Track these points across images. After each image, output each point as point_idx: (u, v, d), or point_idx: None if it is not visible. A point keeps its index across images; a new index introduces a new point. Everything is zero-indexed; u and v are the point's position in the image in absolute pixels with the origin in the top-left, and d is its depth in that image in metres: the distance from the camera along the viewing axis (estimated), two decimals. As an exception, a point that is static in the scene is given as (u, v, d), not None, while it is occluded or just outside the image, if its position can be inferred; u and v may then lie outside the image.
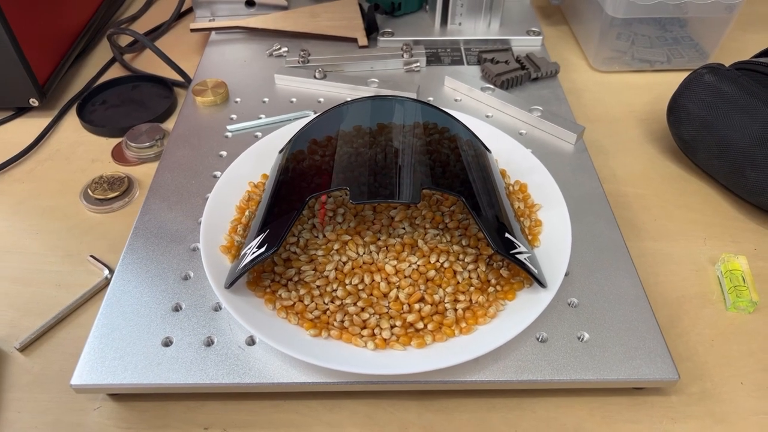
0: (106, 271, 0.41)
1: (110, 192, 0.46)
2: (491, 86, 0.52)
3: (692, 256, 0.43)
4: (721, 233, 0.44)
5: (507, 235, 0.35)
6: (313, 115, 0.49)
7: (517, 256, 0.33)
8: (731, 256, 0.41)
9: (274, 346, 0.32)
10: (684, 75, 0.49)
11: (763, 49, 0.52)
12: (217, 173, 0.45)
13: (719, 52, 0.61)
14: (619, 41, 0.60)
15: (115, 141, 0.52)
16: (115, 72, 0.60)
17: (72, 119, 0.54)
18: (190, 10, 0.68)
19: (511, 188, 0.42)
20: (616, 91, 0.57)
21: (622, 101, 0.56)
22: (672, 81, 0.49)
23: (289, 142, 0.42)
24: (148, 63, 0.61)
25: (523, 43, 0.58)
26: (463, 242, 0.38)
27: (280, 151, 0.43)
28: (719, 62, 0.49)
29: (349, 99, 0.52)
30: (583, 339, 0.34)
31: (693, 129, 0.48)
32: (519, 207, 0.41)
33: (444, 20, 0.59)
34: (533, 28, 0.59)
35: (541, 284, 0.34)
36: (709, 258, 0.42)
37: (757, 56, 0.53)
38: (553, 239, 0.38)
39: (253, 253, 0.34)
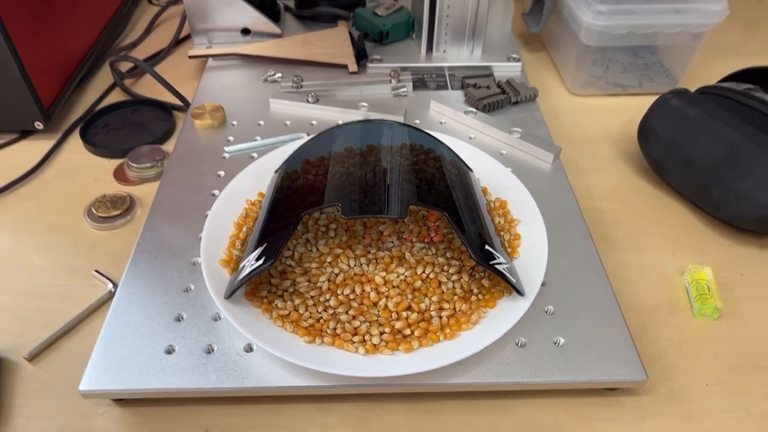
0: (110, 285, 0.43)
1: (113, 210, 0.48)
2: (474, 110, 0.56)
3: (662, 267, 0.45)
4: (689, 245, 0.47)
5: (487, 247, 0.37)
6: (306, 137, 0.52)
7: (497, 266, 0.36)
8: (697, 266, 0.44)
9: (271, 352, 0.34)
10: (654, 98, 0.53)
11: (727, 75, 0.56)
12: (216, 192, 0.47)
13: (687, 76, 0.65)
14: (594, 67, 0.63)
15: (116, 162, 0.54)
16: (116, 96, 0.63)
17: (75, 141, 0.57)
18: (188, 37, 0.71)
19: (492, 205, 0.45)
20: (591, 114, 0.61)
21: (597, 123, 0.60)
22: (643, 104, 0.53)
23: (284, 162, 0.45)
24: (147, 87, 0.64)
25: (504, 69, 0.62)
26: (448, 255, 0.41)
27: (276, 171, 0.46)
28: (685, 87, 0.53)
29: (340, 122, 0.55)
30: (559, 344, 0.37)
31: (661, 149, 0.51)
32: (499, 222, 0.43)
33: (429, 48, 0.63)
34: (514, 55, 0.63)
35: (520, 293, 0.37)
36: (678, 269, 0.45)
37: (721, 81, 0.56)
38: (530, 252, 0.41)
39: (252, 265, 0.36)
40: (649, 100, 0.53)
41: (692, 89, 0.53)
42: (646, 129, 0.52)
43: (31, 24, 0.54)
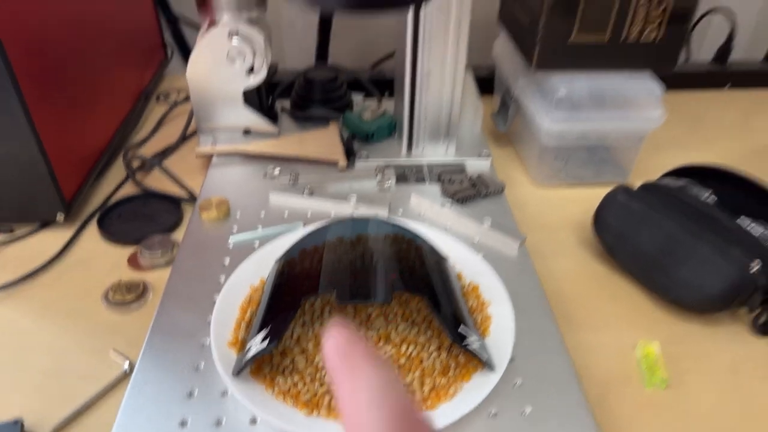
0: (126, 365, 0.47)
1: (128, 295, 0.53)
2: (449, 202, 0.63)
3: (617, 342, 0.52)
4: (640, 323, 0.54)
5: (462, 328, 0.43)
6: (302, 227, 0.59)
7: (470, 345, 0.42)
8: (647, 342, 0.51)
9: (274, 425, 0.39)
10: (609, 188, 0.61)
11: (667, 171, 0.65)
12: (222, 278, 0.53)
13: (637, 169, 0.74)
14: (555, 161, 0.72)
15: (130, 250, 0.60)
16: (129, 188, 0.70)
17: (92, 230, 0.63)
18: (194, 133, 0.79)
19: (465, 289, 0.52)
20: (553, 204, 0.69)
21: (559, 212, 0.68)
22: (599, 194, 0.61)
23: (284, 252, 0.52)
24: (157, 179, 0.71)
25: (476, 164, 0.70)
26: (428, 333, 0.47)
27: (277, 260, 0.52)
28: (631, 183, 0.62)
29: (332, 213, 0.62)
30: (525, 413, 0.42)
31: (612, 237, 0.59)
32: (472, 304, 0.50)
33: (410, 146, 0.72)
34: (484, 151, 0.72)
35: (491, 368, 0.43)
36: (631, 344, 0.52)
37: (662, 177, 0.65)
38: (500, 331, 0.47)
39: (257, 346, 0.42)
40: (604, 190, 0.61)
41: (641, 180, 0.62)
42: (599, 220, 0.60)
43: (57, 120, 0.61)
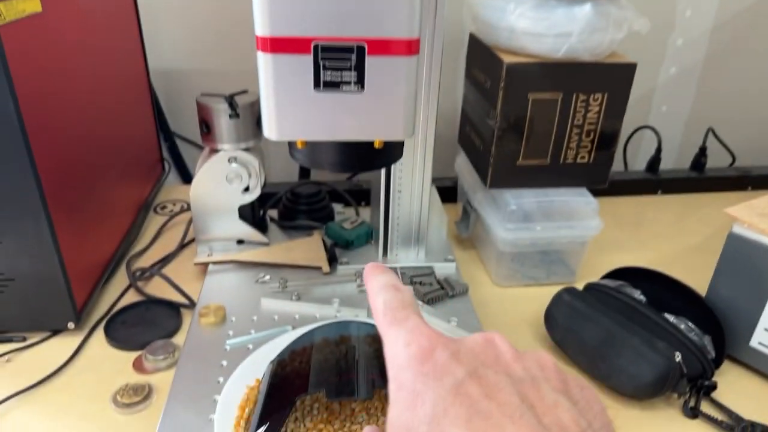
0: (135, 463, 0.53)
1: (135, 397, 0.59)
2: (420, 302, 0.72)
3: (568, 428, 0.59)
4: (588, 409, 0.62)
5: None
6: (291, 329, 0.67)
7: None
8: (593, 426, 0.58)
9: None
10: (559, 288, 0.70)
11: (606, 273, 0.76)
12: (221, 379, 0.60)
13: (583, 268, 0.84)
14: (512, 263, 0.83)
15: (134, 354, 0.66)
16: (131, 295, 0.77)
17: (98, 337, 0.69)
18: (191, 241, 0.88)
19: (436, 383, 0.59)
20: (511, 302, 0.79)
21: (516, 310, 0.77)
22: (551, 293, 0.70)
23: (277, 355, 0.59)
24: (158, 286, 0.78)
25: (443, 268, 0.80)
26: (404, 426, 0.54)
27: (270, 362, 0.59)
28: (575, 284, 0.72)
29: (317, 315, 0.70)
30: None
31: (561, 333, 0.68)
32: (442, 397, 0.57)
33: (385, 252, 0.81)
34: (449, 256, 0.82)
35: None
36: (580, 429, 0.59)
37: (602, 278, 0.76)
38: (466, 420, 0.54)
39: (257, 441, 0.48)
40: (555, 289, 0.71)
41: (588, 279, 0.72)
42: (549, 317, 0.69)
43: (74, 235, 0.68)
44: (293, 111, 0.35)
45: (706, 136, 1.10)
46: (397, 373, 0.26)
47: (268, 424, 0.49)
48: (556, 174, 0.79)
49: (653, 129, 1.08)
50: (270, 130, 0.36)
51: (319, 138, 0.36)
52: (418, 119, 0.70)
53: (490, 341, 0.27)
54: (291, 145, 0.42)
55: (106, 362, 0.65)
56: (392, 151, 0.42)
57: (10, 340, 0.67)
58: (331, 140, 0.38)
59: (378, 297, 0.30)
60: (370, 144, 0.38)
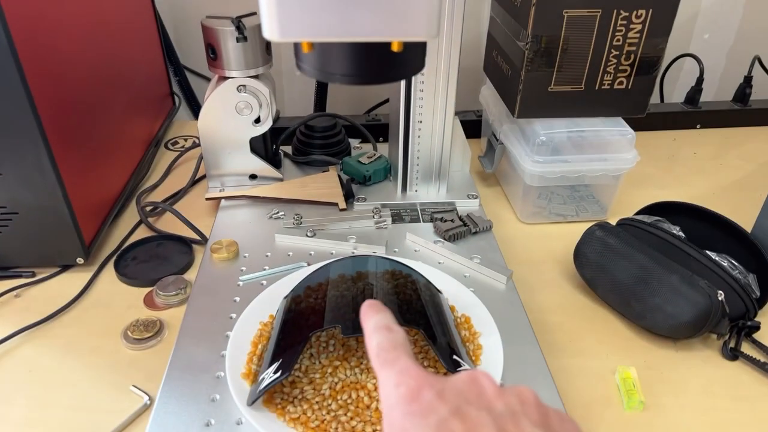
0: (146, 398, 0.51)
1: (146, 333, 0.58)
2: (441, 239, 0.68)
3: (598, 368, 0.56)
4: (618, 349, 0.58)
5: (455, 356, 0.48)
6: (306, 266, 0.64)
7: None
8: (625, 367, 0.55)
9: (286, 448, 0.43)
10: (589, 225, 0.66)
11: (641, 208, 0.71)
12: (233, 315, 0.57)
13: (615, 205, 0.79)
14: (539, 200, 0.78)
15: (145, 290, 0.64)
16: (142, 232, 0.74)
17: (109, 272, 0.67)
18: (203, 177, 0.85)
19: (458, 320, 0.56)
20: (538, 239, 0.74)
21: (543, 247, 0.73)
22: (580, 230, 0.66)
23: (291, 290, 0.56)
24: (169, 223, 0.75)
25: (465, 204, 0.76)
26: (425, 363, 0.51)
27: (284, 297, 0.56)
28: (607, 220, 0.67)
29: (333, 252, 0.67)
30: (515, 434, 0.46)
31: (592, 270, 0.64)
32: (465, 335, 0.54)
33: (404, 188, 0.77)
34: (472, 192, 0.77)
35: (482, 393, 0.47)
36: (610, 369, 0.56)
37: (637, 213, 0.71)
38: (490, 358, 0.51)
39: (270, 377, 0.46)
40: (585, 227, 0.66)
41: (619, 216, 0.67)
42: (579, 254, 0.65)
43: (79, 169, 0.65)
44: (298, 3, 0.30)
45: (752, 64, 1.01)
46: (388, 412, 0.28)
47: (281, 360, 0.47)
48: (591, 102, 0.73)
49: (695, 57, 1.00)
50: (270, 29, 0.31)
51: (328, 37, 0.32)
52: (442, 22, 0.63)
53: (474, 379, 0.29)
54: (296, 51, 0.37)
55: (117, 298, 0.64)
56: (413, 58, 0.37)
57: (19, 276, 0.66)
58: (343, 40, 0.33)
59: (372, 339, 0.32)
60: (388, 47, 0.33)
